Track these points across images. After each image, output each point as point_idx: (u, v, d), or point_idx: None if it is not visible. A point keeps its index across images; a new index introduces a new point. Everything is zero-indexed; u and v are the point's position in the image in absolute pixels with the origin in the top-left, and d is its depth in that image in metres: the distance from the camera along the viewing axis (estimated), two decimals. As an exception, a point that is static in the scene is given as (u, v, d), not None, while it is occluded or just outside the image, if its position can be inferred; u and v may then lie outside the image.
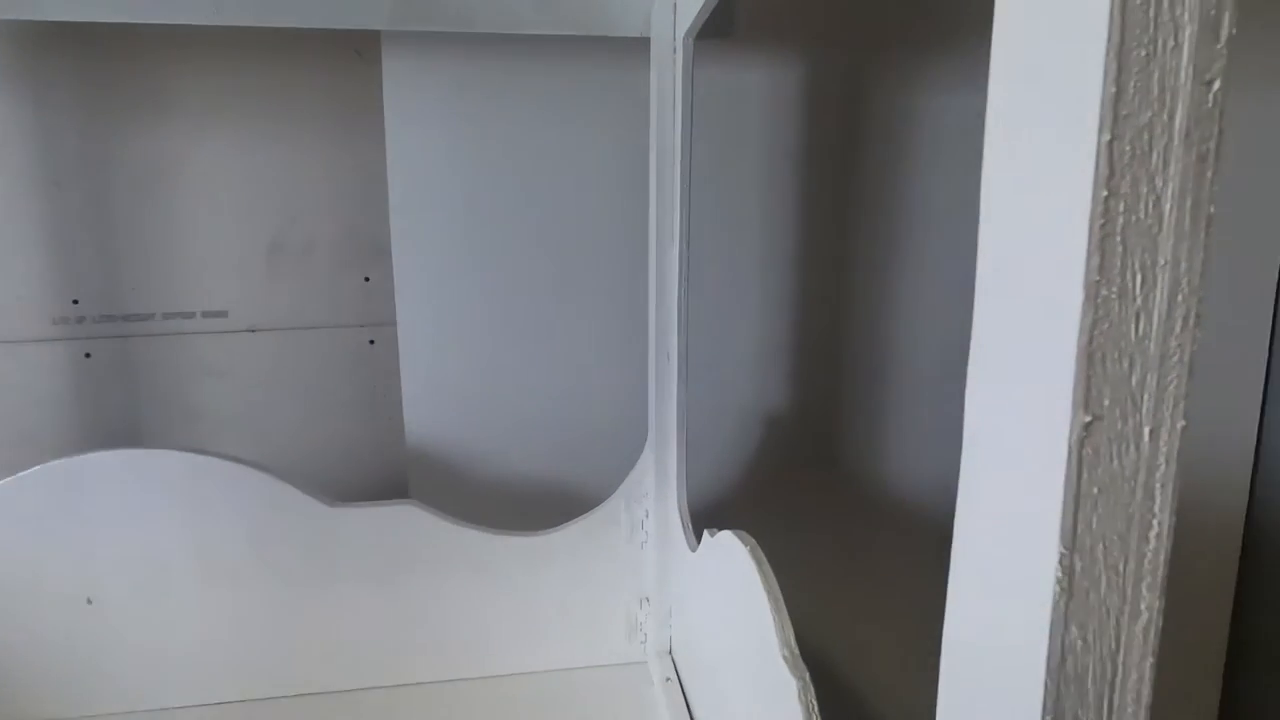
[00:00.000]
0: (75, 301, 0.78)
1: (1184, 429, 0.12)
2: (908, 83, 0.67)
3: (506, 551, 0.59)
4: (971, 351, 0.13)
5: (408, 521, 0.57)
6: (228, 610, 0.56)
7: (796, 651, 0.31)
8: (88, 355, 0.79)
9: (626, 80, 0.63)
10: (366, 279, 0.81)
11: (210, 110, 0.76)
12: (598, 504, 0.61)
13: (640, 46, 0.55)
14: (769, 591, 0.34)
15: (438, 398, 0.69)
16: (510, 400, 0.69)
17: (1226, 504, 0.72)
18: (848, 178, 0.68)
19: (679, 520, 0.54)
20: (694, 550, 0.50)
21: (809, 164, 0.68)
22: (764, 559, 0.36)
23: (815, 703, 0.29)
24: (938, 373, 0.70)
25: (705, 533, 0.46)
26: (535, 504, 0.68)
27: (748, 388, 0.68)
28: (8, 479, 0.53)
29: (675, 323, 0.53)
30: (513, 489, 0.69)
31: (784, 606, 0.33)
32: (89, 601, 0.54)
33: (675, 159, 0.51)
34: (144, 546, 0.54)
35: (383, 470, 0.83)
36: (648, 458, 0.59)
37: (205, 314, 0.81)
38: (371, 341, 0.82)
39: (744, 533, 0.38)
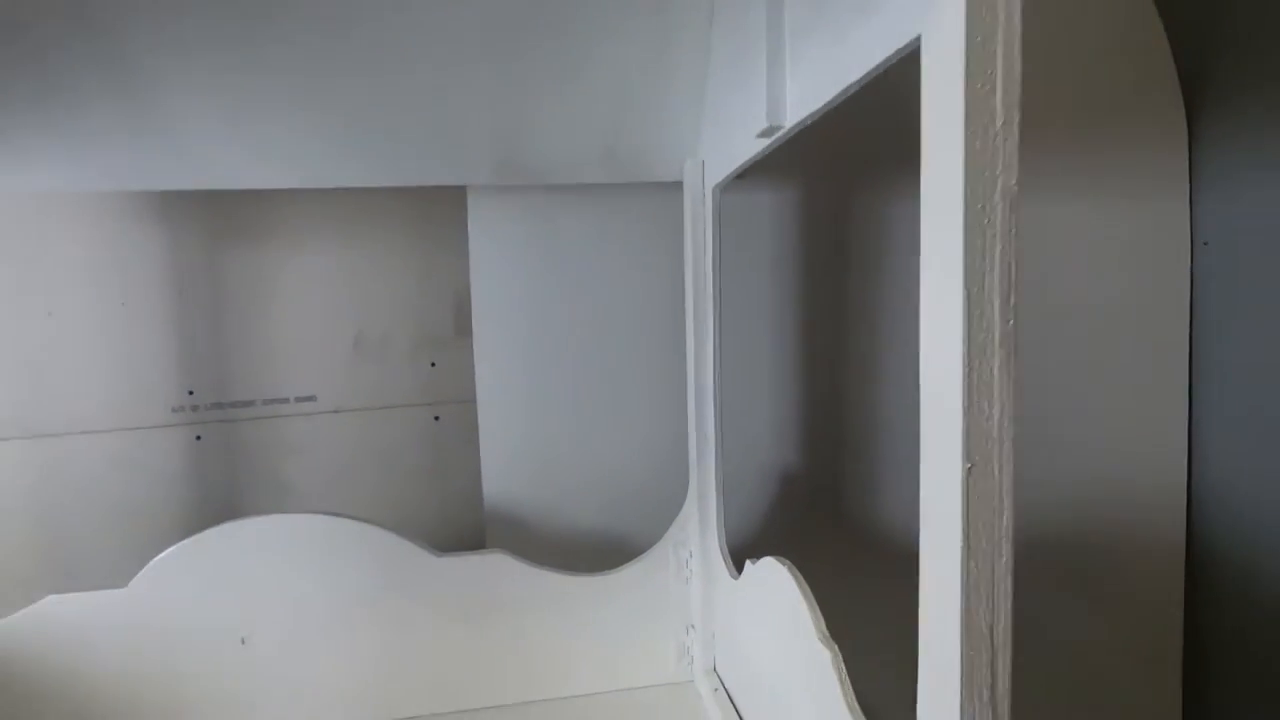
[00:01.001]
0: (190, 392, 0.92)
1: (1013, 471, 0.27)
2: (884, 196, 0.84)
3: (576, 590, 0.72)
4: (923, 446, 0.28)
5: (498, 567, 0.71)
6: (356, 644, 0.68)
7: (826, 633, 0.45)
8: (198, 438, 0.93)
9: (662, 204, 0.80)
10: (433, 364, 0.96)
11: (306, 228, 0.92)
12: (644, 548, 0.75)
13: (674, 186, 0.72)
14: (803, 593, 0.48)
15: (509, 463, 0.84)
16: (569, 464, 0.84)
17: (1167, 522, 0.86)
18: (840, 276, 0.85)
19: (720, 558, 0.68)
20: (735, 579, 0.64)
21: (809, 266, 0.84)
22: (798, 572, 0.50)
23: (845, 669, 0.43)
24: (913, 424, 0.85)
25: (747, 562, 0.60)
26: (592, 550, 0.82)
27: (765, 449, 0.83)
28: (186, 540, 0.66)
29: (711, 402, 0.68)
30: (573, 537, 0.83)
31: (815, 602, 0.47)
32: (243, 641, 0.67)
33: (708, 280, 0.67)
34: (289, 593, 0.67)
35: (452, 524, 0.96)
36: (689, 510, 0.73)
37: (298, 399, 0.95)
38: (437, 418, 0.97)
39: (780, 557, 0.53)
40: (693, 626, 0.73)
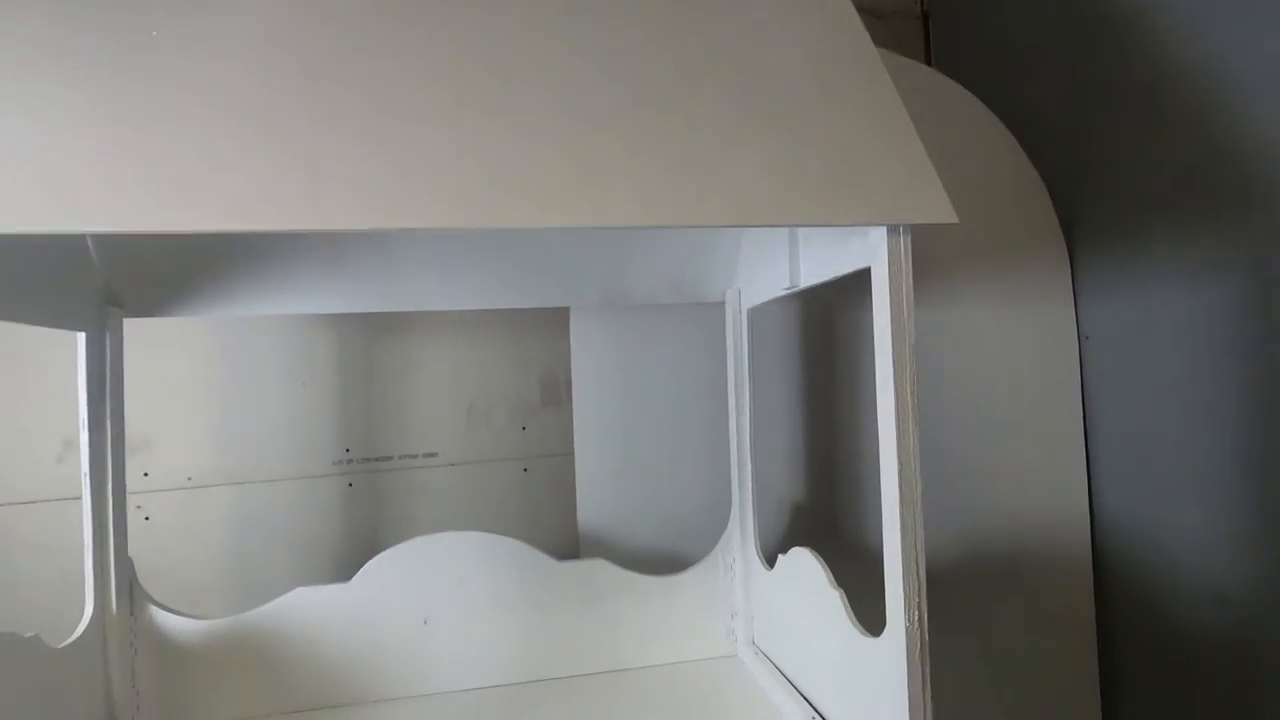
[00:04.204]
0: (347, 450, 1.22)
1: (919, 467, 0.59)
2: (857, 306, 1.19)
3: (652, 587, 1.02)
4: (881, 455, 0.60)
5: (599, 570, 1.00)
6: (502, 626, 0.97)
7: (834, 581, 0.75)
8: (350, 485, 1.22)
9: (709, 317, 1.14)
10: (524, 428, 1.27)
11: (437, 329, 1.25)
12: (698, 559, 1.05)
13: (718, 305, 1.06)
14: (819, 561, 0.78)
15: (597, 497, 1.14)
16: (640, 497, 1.15)
17: (1075, 539, 1.17)
18: (828, 359, 1.19)
19: (756, 559, 0.99)
20: (769, 570, 0.94)
21: (812, 356, 1.18)
22: (816, 553, 0.80)
23: (850, 609, 0.73)
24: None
25: (779, 555, 0.90)
26: (661, 560, 1.12)
27: (780, 485, 1.15)
28: (389, 549, 0.96)
29: (748, 451, 1.00)
30: (645, 551, 1.13)
31: (824, 563, 0.77)
32: (425, 622, 0.95)
33: (744, 370, 1.00)
34: (457, 586, 0.96)
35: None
36: (732, 527, 1.03)
37: (424, 455, 1.26)
38: (525, 469, 1.27)
39: (806, 547, 0.84)
40: (735, 613, 1.03)
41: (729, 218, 0.56)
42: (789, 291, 0.84)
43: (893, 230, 0.60)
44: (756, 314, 1.03)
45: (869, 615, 0.73)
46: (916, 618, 0.59)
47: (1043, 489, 1.18)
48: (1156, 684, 1.09)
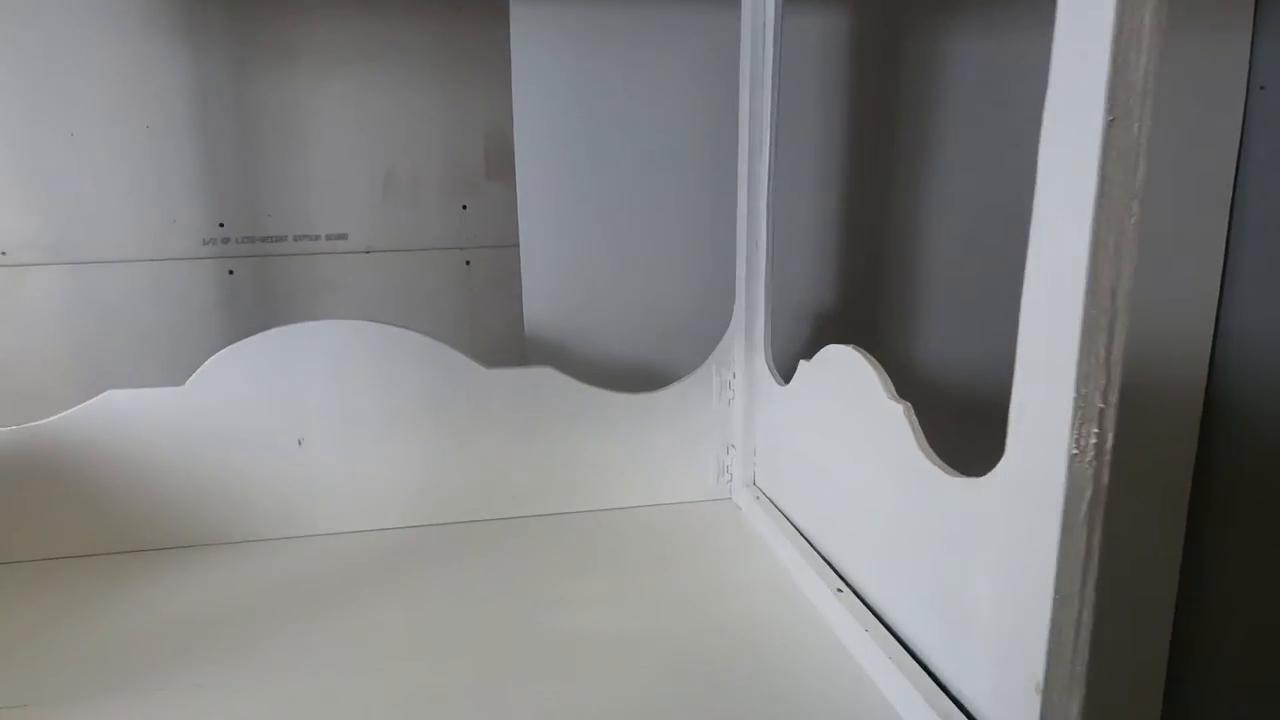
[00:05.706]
0: (221, 225, 0.90)
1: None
2: (933, 30, 0.82)
3: (619, 407, 0.74)
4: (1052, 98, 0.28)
5: (545, 381, 0.72)
6: (407, 451, 0.70)
7: (896, 392, 0.46)
8: (230, 272, 0.92)
9: (710, 23, 0.77)
10: (464, 207, 0.95)
11: (336, 61, 0.89)
12: (688, 373, 0.76)
13: (730, 8, 0.69)
14: (870, 362, 0.49)
15: (550, 295, 0.84)
16: (609, 296, 0.84)
17: (1190, 365, 0.88)
18: (884, 108, 0.83)
19: (767, 373, 0.69)
20: (784, 385, 0.65)
21: (854, 97, 0.83)
22: (867, 353, 0.51)
23: (916, 419, 0.44)
24: (952, 272, 0.85)
25: (801, 361, 0.61)
26: (635, 378, 0.83)
27: (803, 283, 0.84)
28: (242, 341, 0.67)
29: (764, 215, 0.68)
30: (611, 370, 0.84)
31: (880, 367, 0.48)
32: (300, 442, 0.68)
33: (765, 84, 0.65)
34: (344, 398, 0.68)
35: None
36: (734, 331, 0.74)
37: (329, 236, 0.94)
38: (467, 262, 0.96)
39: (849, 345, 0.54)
40: (733, 446, 0.75)
41: None
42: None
43: None
44: (788, 29, 0.67)
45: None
46: (1093, 441, 0.29)
47: (1155, 297, 0.87)
48: (1257, 543, 0.84)
